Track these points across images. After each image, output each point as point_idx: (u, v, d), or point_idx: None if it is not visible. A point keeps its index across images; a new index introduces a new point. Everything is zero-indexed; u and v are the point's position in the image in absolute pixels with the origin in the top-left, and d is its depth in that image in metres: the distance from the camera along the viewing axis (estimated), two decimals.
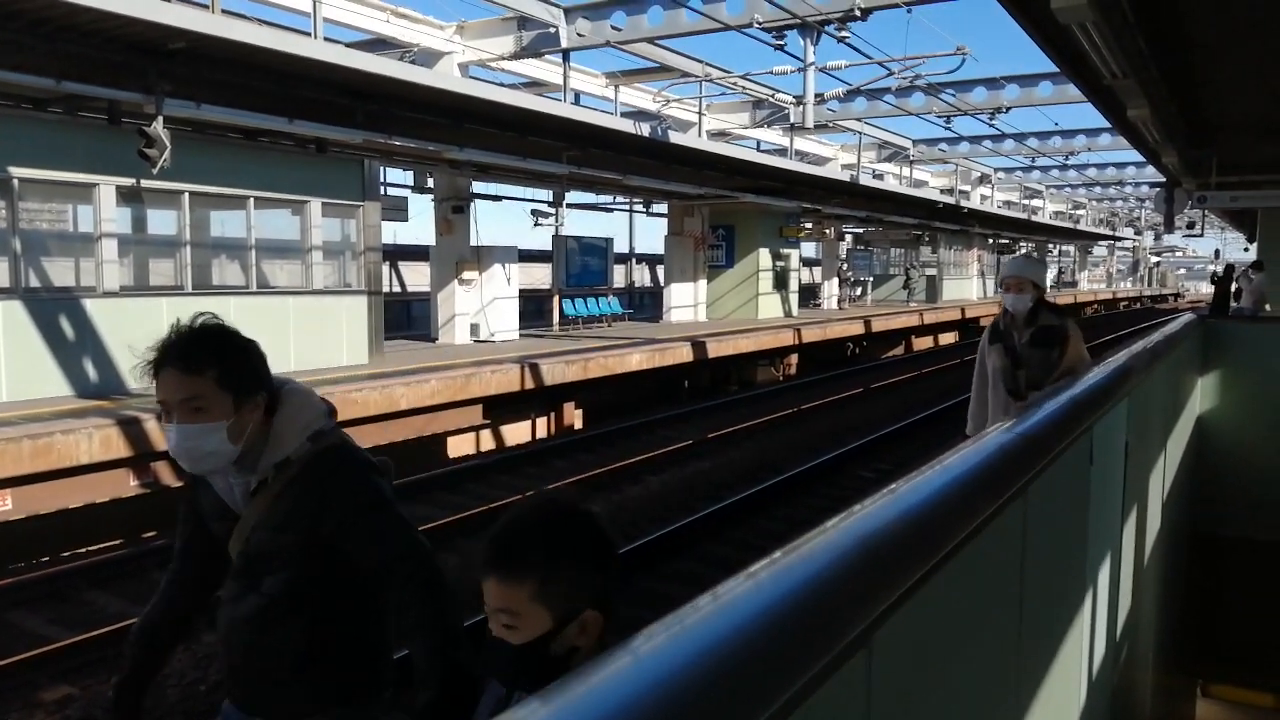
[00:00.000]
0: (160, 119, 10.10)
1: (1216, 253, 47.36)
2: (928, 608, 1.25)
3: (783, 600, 0.97)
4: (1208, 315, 12.21)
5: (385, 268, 22.68)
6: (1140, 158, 22.11)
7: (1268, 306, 15.87)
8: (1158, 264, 79.25)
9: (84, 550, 8.98)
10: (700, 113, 20.72)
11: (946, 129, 23.77)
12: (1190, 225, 30.61)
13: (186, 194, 11.81)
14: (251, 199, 12.64)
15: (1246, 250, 38.91)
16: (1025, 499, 1.60)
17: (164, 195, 11.71)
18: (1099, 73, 8.75)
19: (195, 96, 10.81)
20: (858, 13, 12.81)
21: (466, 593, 7.15)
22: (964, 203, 32.22)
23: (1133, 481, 3.09)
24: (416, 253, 23.96)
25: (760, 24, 13.28)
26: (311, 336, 13.34)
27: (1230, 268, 19.35)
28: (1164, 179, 20.80)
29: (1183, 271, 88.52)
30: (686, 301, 25.19)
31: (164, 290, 11.92)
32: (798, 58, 14.51)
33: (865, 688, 1.05)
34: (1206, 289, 62.13)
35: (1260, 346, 9.41)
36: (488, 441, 14.02)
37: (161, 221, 12.29)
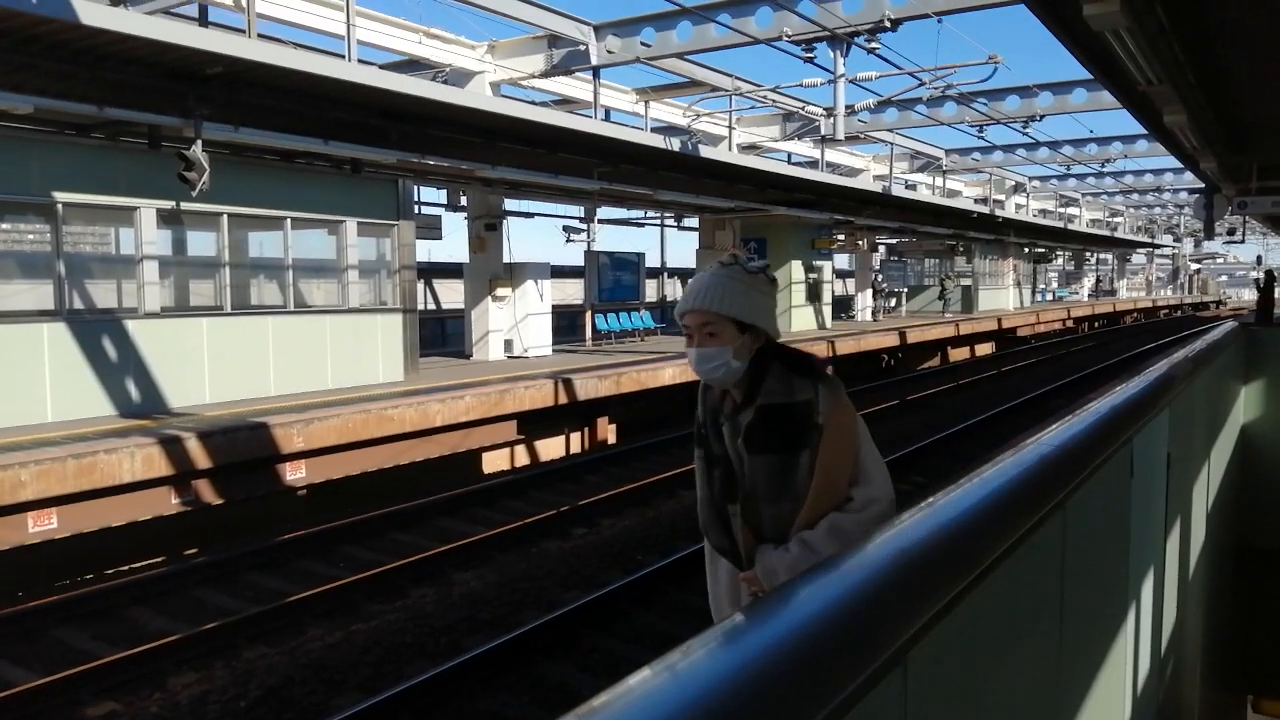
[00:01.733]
0: (199, 143, 10.29)
1: (1259, 259, 46.52)
2: (964, 624, 1.23)
3: (818, 617, 0.97)
4: (1251, 323, 11.98)
5: (420, 285, 22.87)
6: (1178, 164, 21.78)
7: None
8: (1198, 271, 77.93)
9: (126, 568, 9.11)
10: (730, 126, 20.74)
11: (980, 138, 23.60)
12: (1231, 231, 30.10)
13: (225, 216, 12.01)
14: (289, 220, 12.82)
15: None
16: (1065, 513, 1.58)
17: (203, 217, 11.92)
18: (1133, 79, 8.64)
19: (233, 120, 11.00)
20: (887, 23, 12.76)
21: (506, 605, 7.16)
22: (999, 212, 31.92)
23: (1175, 494, 3.03)
24: (451, 270, 24.15)
25: (789, 37, 13.28)
26: (348, 354, 13.48)
27: (1271, 274, 18.97)
28: (1203, 185, 20.47)
29: (1224, 278, 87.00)
30: None
31: (203, 310, 12.11)
32: (827, 70, 14.48)
33: (901, 706, 1.04)
34: (1249, 295, 60.98)
35: None
36: (522, 457, 14.06)
37: (201, 243, 12.51)
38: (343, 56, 11.87)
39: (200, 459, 9.29)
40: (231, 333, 12.08)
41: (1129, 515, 2.24)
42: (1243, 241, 30.94)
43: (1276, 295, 17.46)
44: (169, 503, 9.27)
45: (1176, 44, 7.98)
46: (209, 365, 11.76)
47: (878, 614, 1.02)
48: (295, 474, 10.35)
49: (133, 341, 11.03)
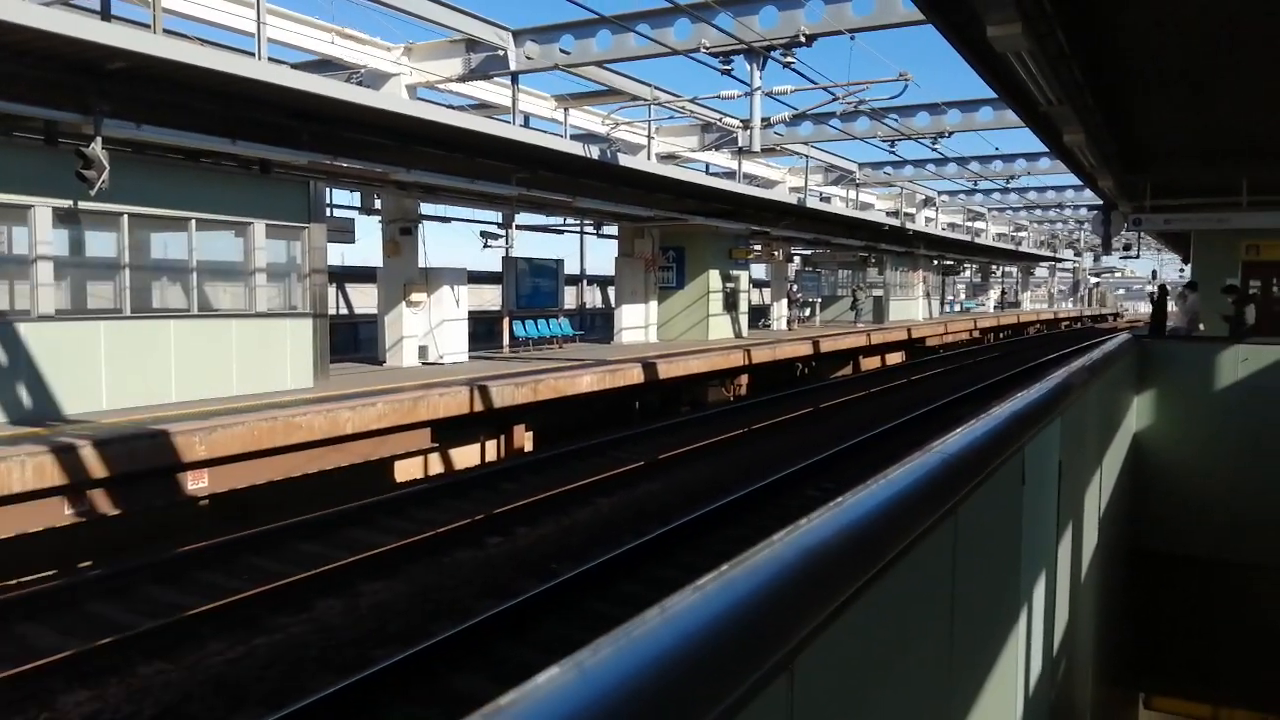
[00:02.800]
0: (99, 140, 9.92)
1: (1154, 273, 48.68)
2: (855, 630, 1.25)
3: (713, 621, 0.97)
4: (1144, 335, 12.53)
5: (332, 290, 22.42)
6: (1079, 181, 22.68)
7: (1202, 326, 16.31)
8: (1097, 284, 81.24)
9: (15, 582, 8.68)
10: (649, 135, 20.87)
11: (891, 153, 24.21)
12: (1127, 247, 31.52)
13: (126, 216, 11.57)
14: (193, 221, 12.42)
15: (1182, 271, 40.04)
16: (955, 519, 1.62)
17: (103, 217, 11.47)
18: (1035, 99, 8.98)
19: (135, 117, 10.64)
20: (802, 38, 13.01)
21: (417, 615, 7.04)
22: (909, 225, 32.78)
23: (1067, 500, 3.14)
24: (364, 274, 23.73)
25: (707, 49, 13.44)
26: (255, 360, 13.12)
27: (1164, 288, 19.90)
28: (1101, 202, 21.39)
29: (1121, 291, 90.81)
30: (638, 323, 25.25)
31: (102, 314, 11.64)
32: (744, 82, 14.68)
33: (787, 713, 1.05)
34: (1145, 308, 63.79)
35: (1194, 366, 9.70)
36: (436, 465, 13.87)
37: (100, 244, 12.03)
38: (253, 54, 11.58)
39: (96, 468, 8.92)
40: (131, 337, 11.64)
41: (1020, 520, 2.31)
42: (1138, 256, 32.40)
43: (1169, 309, 18.33)
44: (62, 513, 8.87)
45: (1076, 67, 8.33)
46: (107, 370, 11.31)
47: (765, 621, 1.03)
48: (197, 483, 10.02)
49: (25, 345, 10.54)
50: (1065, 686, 3.26)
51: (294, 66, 13.99)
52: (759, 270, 34.94)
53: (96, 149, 9.88)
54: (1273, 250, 20.36)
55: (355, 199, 19.46)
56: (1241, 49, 8.55)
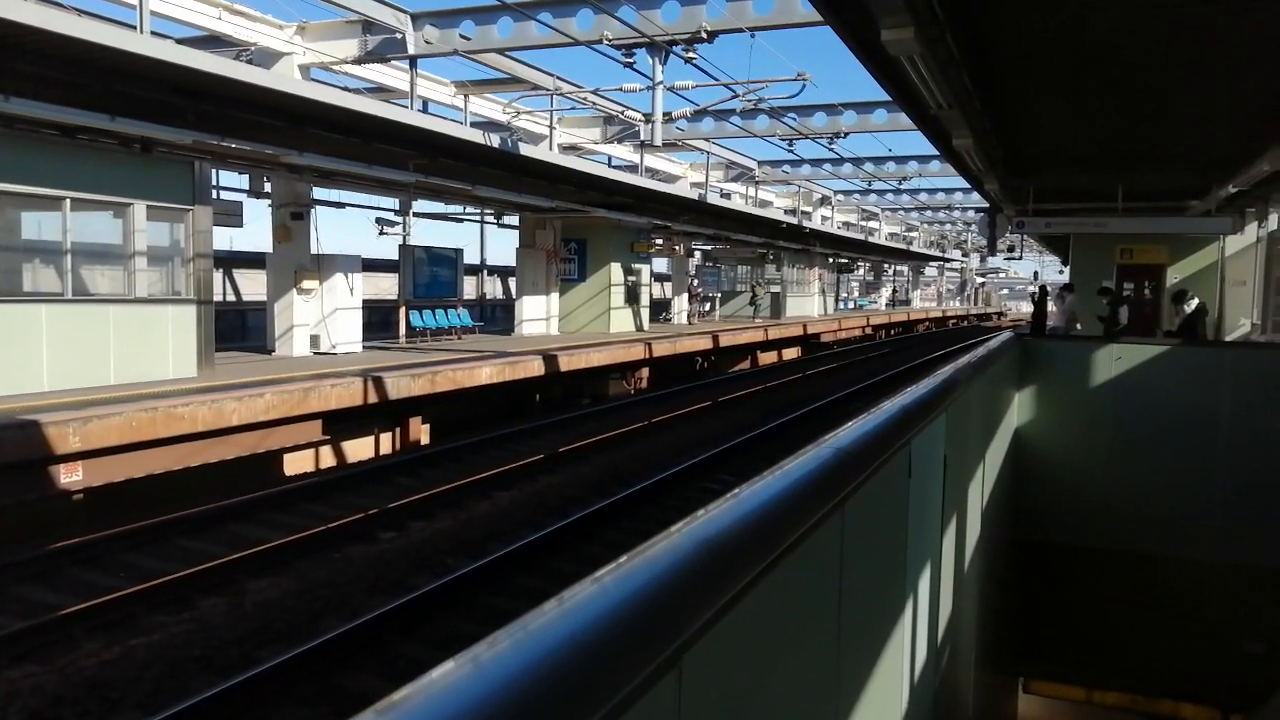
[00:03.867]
0: None
1: (1035, 274, 50.91)
2: (743, 624, 1.26)
3: (604, 616, 0.96)
4: (1026, 334, 13.06)
5: (218, 275, 21.62)
6: (967, 184, 23.49)
7: (1079, 326, 17.10)
8: (983, 284, 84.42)
9: None
10: (551, 125, 20.73)
11: (789, 151, 24.65)
12: (1010, 249, 32.85)
13: None
14: (68, 200, 11.78)
15: (1061, 272, 41.92)
16: (842, 512, 1.64)
17: None
18: (926, 103, 9.25)
19: (4, 89, 10.02)
20: (704, 34, 13.11)
21: (305, 613, 6.84)
22: (806, 223, 33.44)
23: (952, 492, 3.25)
24: (253, 260, 22.95)
25: (609, 41, 13.41)
26: (134, 347, 12.54)
27: (1045, 289, 20.79)
28: (988, 205, 22.22)
29: (1005, 291, 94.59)
30: (539, 314, 25.10)
31: None
32: (647, 76, 14.73)
33: (675, 708, 1.05)
34: (1028, 308, 66.59)
35: (1071, 363, 10.18)
36: (328, 458, 13.51)
37: None
38: (134, 27, 11.04)
39: None
40: None
41: (907, 512, 2.37)
42: (1021, 258, 33.80)
43: (1049, 309, 19.16)
44: None
45: (965, 73, 8.60)
46: None
47: (659, 613, 1.02)
48: (71, 476, 9.53)
49: None
50: (949, 674, 3.36)
51: (179, 42, 13.39)
52: (660, 264, 35.18)
53: None
54: (1145, 254, 21.50)
55: (244, 181, 18.74)
56: (1116, 64, 8.98)
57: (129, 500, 10.10)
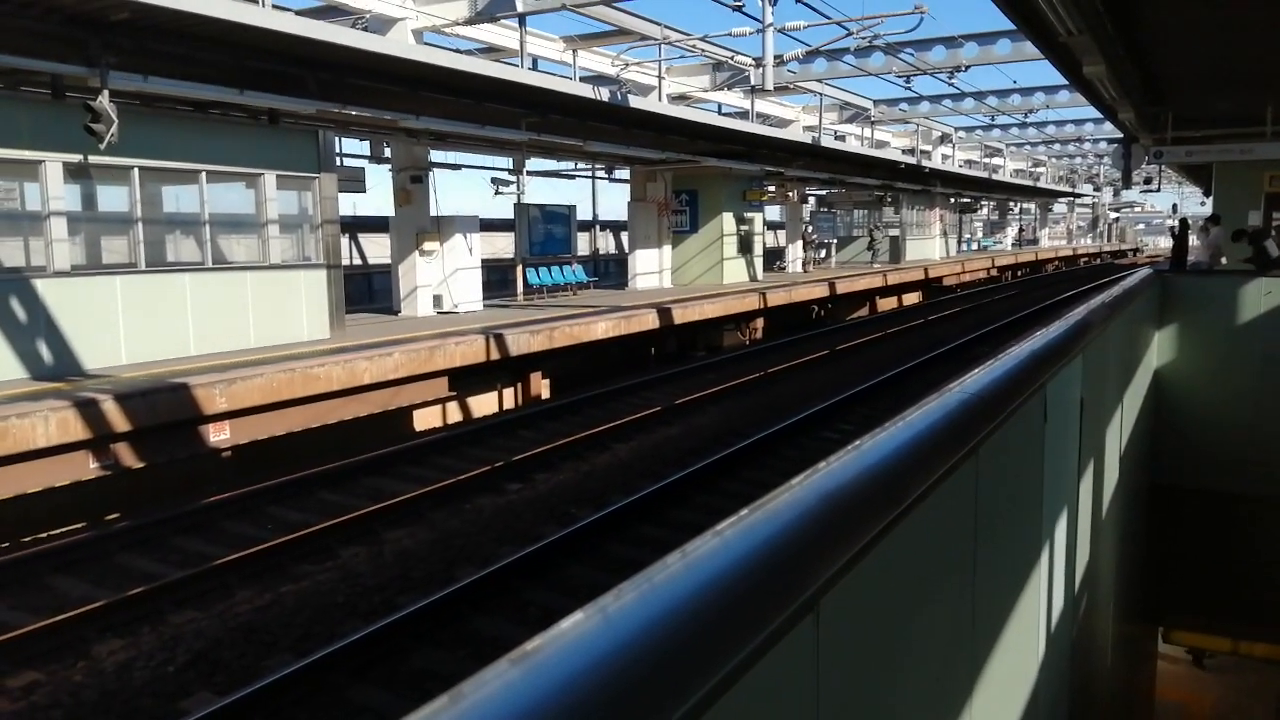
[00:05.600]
0: (106, 93, 9.85)
1: (1174, 207, 47.99)
2: (879, 569, 1.25)
3: (737, 564, 0.97)
4: (1165, 270, 12.35)
5: (345, 240, 22.39)
6: (1098, 114, 22.26)
7: (1224, 260, 16.08)
8: (1117, 219, 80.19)
9: (45, 535, 8.84)
10: (660, 76, 20.55)
11: (907, 89, 23.81)
12: (1148, 180, 31.01)
13: (136, 169, 11.55)
14: (204, 173, 12.39)
15: (1203, 204, 39.46)
16: (976, 459, 1.60)
17: (113, 171, 11.45)
18: (1054, 30, 8.76)
19: (141, 69, 10.54)
20: None
21: (440, 562, 7.13)
22: (925, 162, 32.35)
23: (1089, 437, 3.12)
24: (376, 224, 23.67)
25: None
26: (271, 311, 13.16)
27: (1185, 222, 19.59)
28: (1121, 135, 21.01)
29: (1141, 226, 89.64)
30: (651, 268, 25.13)
31: (117, 269, 11.68)
32: (756, 19, 14.41)
33: (813, 651, 1.05)
34: (1165, 243, 62.99)
35: (1216, 300, 9.59)
36: (454, 414, 13.94)
37: (112, 198, 12.02)
38: (256, 2, 11.42)
39: (118, 422, 9.02)
40: (147, 291, 11.69)
41: (1043, 458, 2.30)
42: (1158, 190, 31.89)
43: (1190, 243, 18.08)
44: (87, 467, 8.99)
45: None
46: (124, 325, 11.38)
47: (790, 562, 1.02)
48: (219, 435, 10.12)
49: (42, 301, 10.60)
50: (1086, 623, 3.27)
51: (298, 13, 13.79)
52: (773, 212, 34.66)
53: (104, 102, 9.81)
54: None
55: (365, 148, 19.32)
56: None
57: (271, 457, 10.67)
